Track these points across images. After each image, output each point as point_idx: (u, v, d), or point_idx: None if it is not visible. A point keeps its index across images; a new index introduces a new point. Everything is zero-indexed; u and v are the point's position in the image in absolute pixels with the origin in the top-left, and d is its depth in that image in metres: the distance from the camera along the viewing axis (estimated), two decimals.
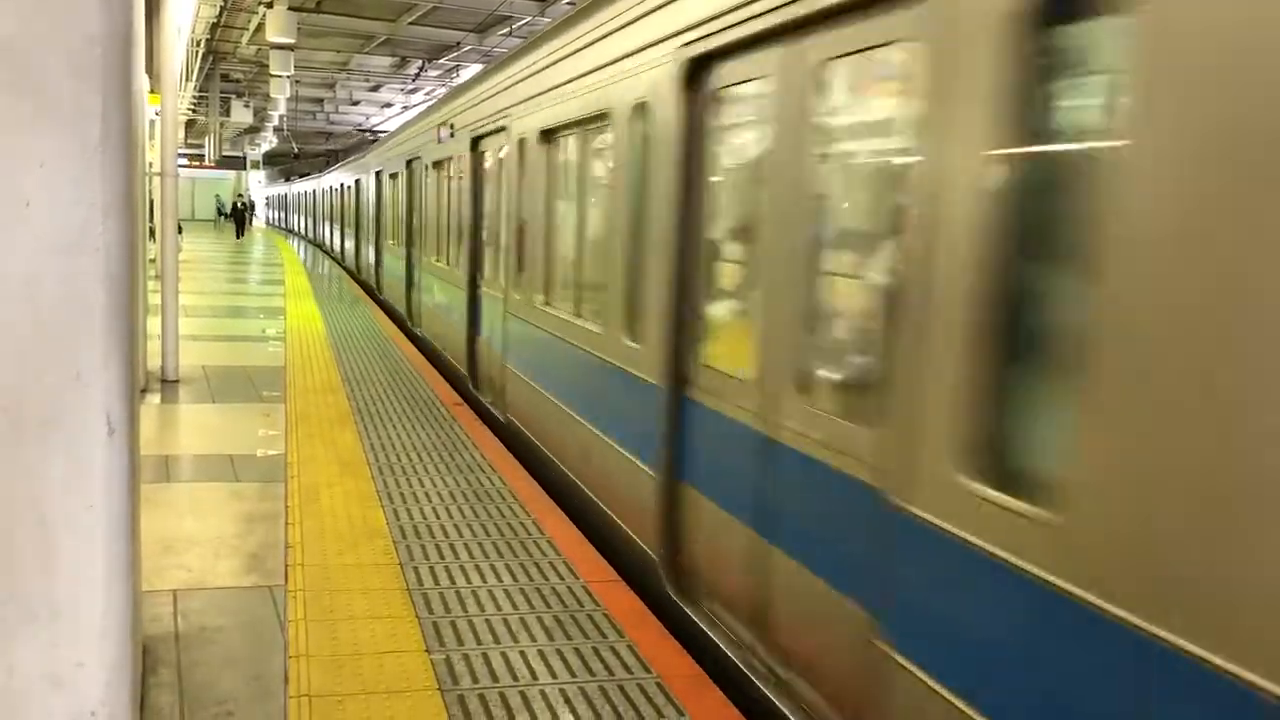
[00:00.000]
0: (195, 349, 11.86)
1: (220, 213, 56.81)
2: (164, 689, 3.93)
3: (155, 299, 10.82)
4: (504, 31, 24.07)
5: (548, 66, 7.50)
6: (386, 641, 4.44)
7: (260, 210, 71.95)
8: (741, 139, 4.73)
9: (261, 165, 62.17)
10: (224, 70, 36.91)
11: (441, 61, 29.75)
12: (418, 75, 32.66)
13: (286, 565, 5.30)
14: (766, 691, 4.07)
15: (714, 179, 4.91)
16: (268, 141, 50.24)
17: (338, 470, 7.13)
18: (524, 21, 22.13)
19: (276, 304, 18.09)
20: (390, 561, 5.42)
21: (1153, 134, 2.17)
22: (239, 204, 49.01)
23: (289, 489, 6.63)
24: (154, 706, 3.79)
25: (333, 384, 10.40)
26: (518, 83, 8.49)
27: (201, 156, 50.36)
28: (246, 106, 40.19)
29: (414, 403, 9.66)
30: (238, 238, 44.36)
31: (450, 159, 11.92)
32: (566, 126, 7.18)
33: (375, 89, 39.38)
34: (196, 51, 28.31)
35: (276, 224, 70.50)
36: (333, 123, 51.59)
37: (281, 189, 67.59)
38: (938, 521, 2.89)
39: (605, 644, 4.55)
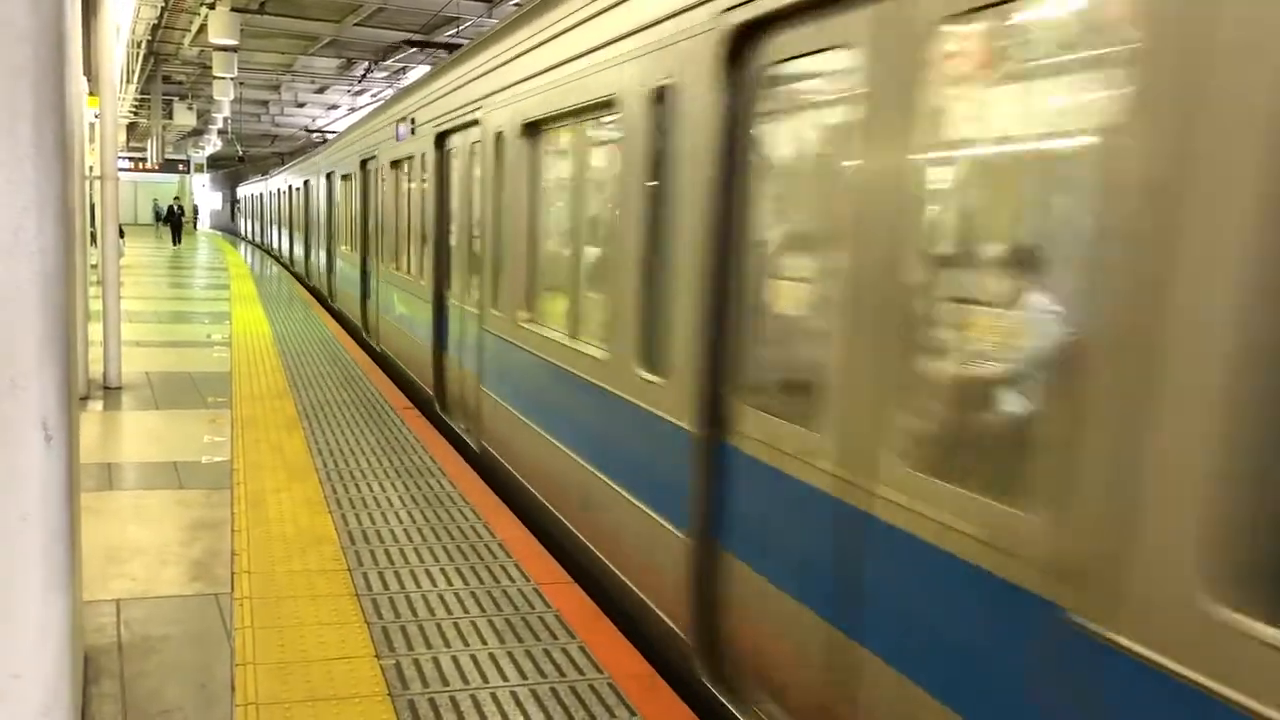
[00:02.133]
0: (138, 355, 11.67)
1: (158, 217, 51.58)
2: (106, 700, 3.87)
3: (96, 304, 10.62)
4: (451, 32, 23.94)
5: None
6: (335, 648, 4.40)
7: (207, 217, 69.67)
8: None
9: (205, 168, 60.90)
10: (166, 72, 36.31)
11: (388, 63, 29.52)
12: (364, 77, 32.38)
13: (233, 572, 5.23)
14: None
15: None
16: (212, 144, 49.53)
17: (285, 476, 7.05)
18: (470, 22, 22.03)
19: (222, 309, 17.84)
20: (339, 567, 5.37)
21: None
22: (174, 207, 44.39)
23: (235, 495, 6.54)
24: (96, 717, 3.73)
25: (280, 389, 10.28)
26: None
27: (145, 159, 49.55)
28: (190, 109, 39.58)
29: (362, 407, 9.57)
30: (175, 244, 41.08)
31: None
32: None
33: (321, 91, 38.96)
34: (137, 53, 27.85)
35: (253, 239, 48.39)
36: (278, 125, 50.97)
37: (256, 187, 45.95)
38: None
39: (556, 645, 4.54)
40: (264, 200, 38.39)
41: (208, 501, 6.47)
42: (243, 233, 54.85)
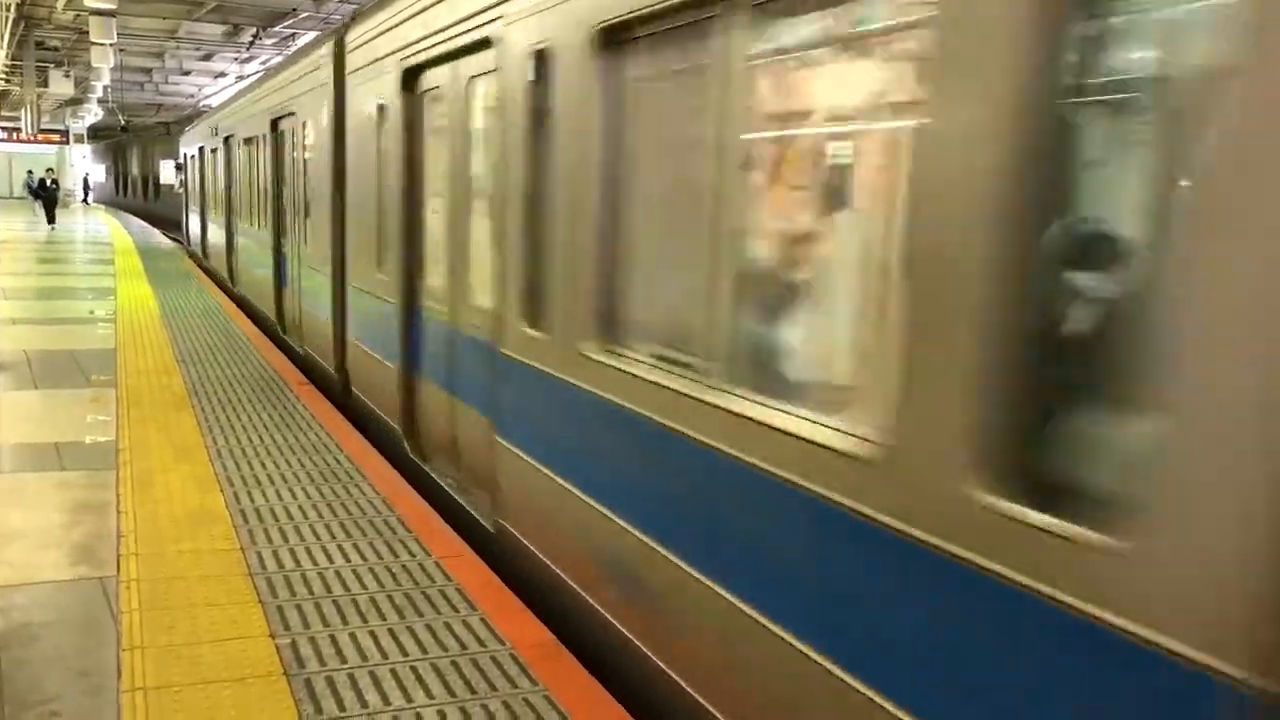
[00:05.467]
0: (16, 333, 11.20)
1: (30, 190, 43.09)
2: None
3: None
4: None
5: None
6: (228, 629, 4.28)
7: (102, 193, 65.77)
8: None
9: (86, 139, 58.12)
10: (39, 37, 34.74)
11: (276, 29, 28.69)
12: (251, 44, 31.44)
13: (119, 555, 5.05)
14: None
15: None
16: (92, 114, 47.60)
17: (173, 455, 6.83)
18: None
19: (106, 284, 17.19)
20: (231, 547, 5.22)
21: None
22: (46, 180, 37.69)
23: (121, 476, 6.31)
24: None
25: (167, 365, 9.95)
26: None
27: (19, 129, 47.36)
28: (67, 76, 37.90)
29: (255, 382, 9.32)
30: (49, 224, 34.82)
31: None
32: None
33: (207, 58, 37.70)
34: (6, 17, 26.57)
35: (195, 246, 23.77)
36: (162, 94, 49.22)
37: (207, 137, 19.90)
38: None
39: (458, 618, 4.49)
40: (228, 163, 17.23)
41: (91, 483, 6.23)
42: (191, 235, 25.20)
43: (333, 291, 9.18)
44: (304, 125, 10.33)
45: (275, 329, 12.57)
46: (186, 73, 41.97)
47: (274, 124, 12.11)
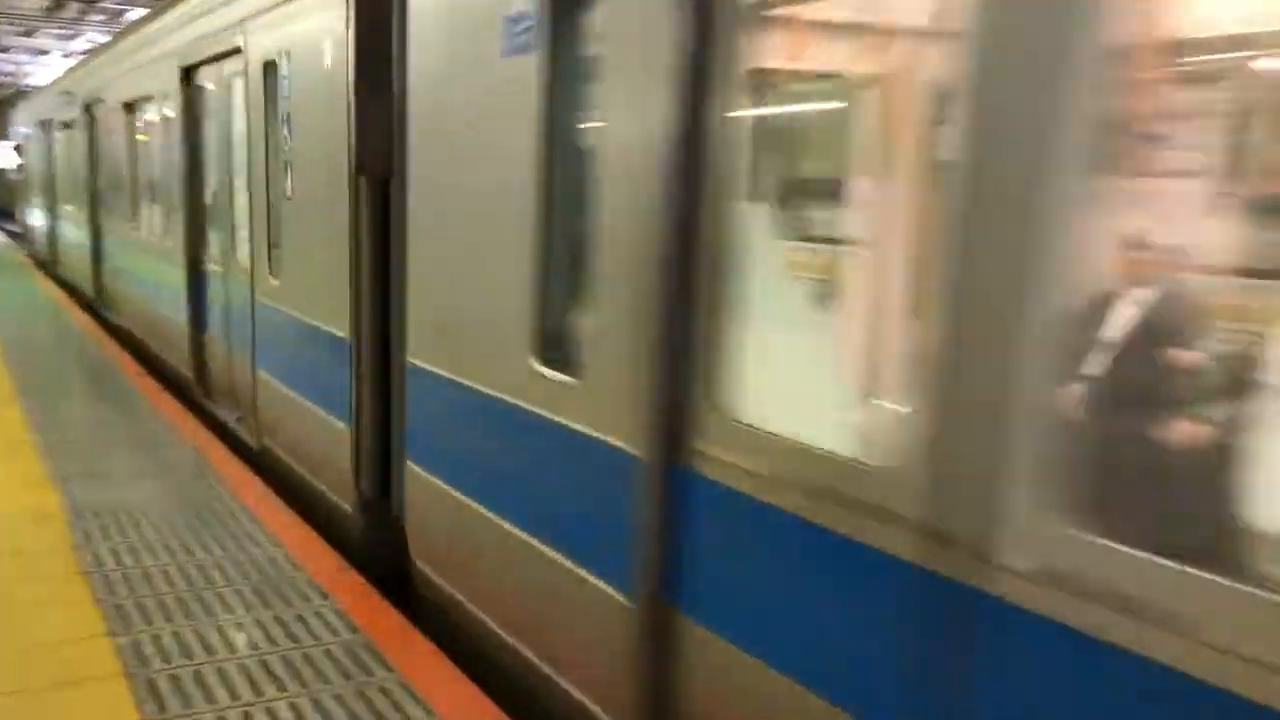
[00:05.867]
0: None
1: None
2: None
3: None
4: None
5: None
6: (62, 630, 4.10)
7: None
8: None
9: None
10: None
11: (104, 5, 27.27)
12: (80, 19, 29.80)
13: None
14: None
15: None
16: None
17: (0, 453, 6.48)
18: None
19: None
20: (65, 546, 4.99)
21: None
22: None
23: None
24: None
25: None
26: None
27: None
28: None
29: (88, 376, 8.90)
30: None
31: None
32: None
33: (28, 34, 35.56)
34: None
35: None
36: None
37: (58, 108, 16.19)
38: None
39: (309, 608, 4.40)
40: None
41: None
42: (35, 235, 21.86)
43: (354, 370, 5.22)
44: (263, 70, 6.39)
45: (190, 386, 8.54)
46: (5, 49, 39.50)
47: (187, 74, 8.34)
